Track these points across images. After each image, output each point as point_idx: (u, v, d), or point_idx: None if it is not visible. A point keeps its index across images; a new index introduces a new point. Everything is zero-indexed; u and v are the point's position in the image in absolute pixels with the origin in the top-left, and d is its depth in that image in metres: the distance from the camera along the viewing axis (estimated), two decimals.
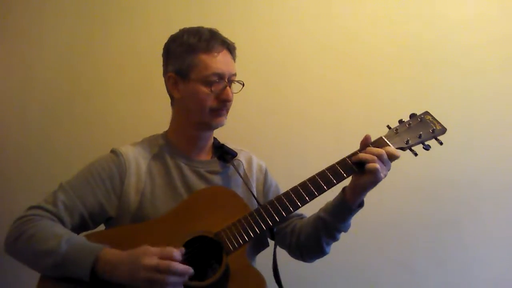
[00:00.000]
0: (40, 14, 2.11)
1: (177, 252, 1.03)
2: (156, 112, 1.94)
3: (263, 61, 2.00)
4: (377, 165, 1.10)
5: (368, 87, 1.97)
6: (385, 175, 1.13)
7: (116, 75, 2.08)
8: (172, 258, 1.01)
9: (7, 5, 2.12)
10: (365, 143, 1.17)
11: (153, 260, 1.00)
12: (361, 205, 1.21)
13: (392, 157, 1.14)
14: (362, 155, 1.13)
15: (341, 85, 1.98)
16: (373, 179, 1.12)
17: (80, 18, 2.10)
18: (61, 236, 1.07)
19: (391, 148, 1.14)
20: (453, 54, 1.94)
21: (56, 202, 1.14)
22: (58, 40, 2.10)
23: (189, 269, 1.02)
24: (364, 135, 1.18)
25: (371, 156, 1.12)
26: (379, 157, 1.11)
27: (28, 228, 1.09)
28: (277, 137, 1.99)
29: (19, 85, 2.11)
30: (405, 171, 1.83)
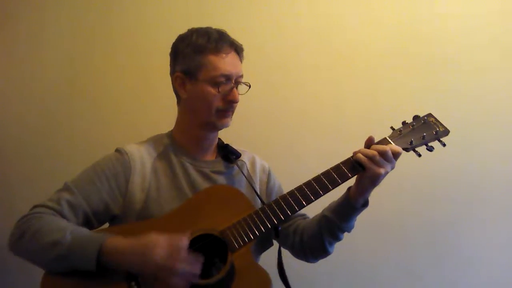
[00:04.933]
0: (40, 14, 2.10)
1: (186, 239, 1.05)
2: (157, 112, 1.95)
3: (263, 62, 2.00)
4: (377, 158, 1.11)
5: (370, 89, 1.98)
6: (386, 172, 1.13)
7: (116, 75, 2.07)
8: (182, 246, 1.03)
9: (7, 5, 2.11)
10: (369, 144, 1.17)
11: (165, 249, 1.02)
12: (365, 205, 1.21)
13: (395, 154, 1.14)
14: (364, 150, 1.15)
15: (343, 86, 2.00)
16: (372, 173, 1.12)
17: (80, 18, 2.09)
18: (65, 228, 1.07)
19: (393, 146, 1.15)
20: (454, 55, 1.95)
21: (60, 201, 1.13)
22: (58, 40, 2.09)
23: (201, 258, 1.05)
24: (367, 136, 1.18)
25: (372, 151, 1.13)
26: (383, 154, 1.12)
27: (33, 224, 1.08)
28: (279, 138, 2.00)
29: (19, 85, 2.10)
30: (404, 172, 1.84)
